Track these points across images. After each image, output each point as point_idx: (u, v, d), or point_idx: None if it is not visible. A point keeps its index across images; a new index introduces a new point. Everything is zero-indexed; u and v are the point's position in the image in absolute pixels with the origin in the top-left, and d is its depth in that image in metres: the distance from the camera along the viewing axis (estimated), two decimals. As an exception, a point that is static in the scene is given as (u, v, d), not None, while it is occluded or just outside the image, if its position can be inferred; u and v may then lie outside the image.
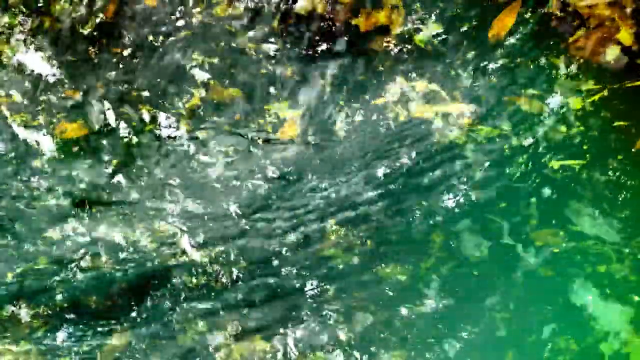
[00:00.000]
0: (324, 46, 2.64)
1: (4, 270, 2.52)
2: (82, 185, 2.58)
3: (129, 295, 2.51)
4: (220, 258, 2.50)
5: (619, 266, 2.32)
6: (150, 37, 2.65)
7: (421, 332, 2.37)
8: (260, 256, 2.51)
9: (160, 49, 2.66)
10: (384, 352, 2.37)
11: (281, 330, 2.41)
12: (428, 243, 2.46)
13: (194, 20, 2.66)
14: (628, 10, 2.39)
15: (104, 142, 2.62)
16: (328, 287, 2.44)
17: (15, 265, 2.52)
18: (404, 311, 2.39)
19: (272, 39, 2.66)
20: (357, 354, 2.38)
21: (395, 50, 2.61)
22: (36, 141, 2.60)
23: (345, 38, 2.63)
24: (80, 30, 2.66)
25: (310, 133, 2.61)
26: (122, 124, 2.63)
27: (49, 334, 2.46)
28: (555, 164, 2.44)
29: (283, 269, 2.47)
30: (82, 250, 2.53)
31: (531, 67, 2.51)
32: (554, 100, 2.48)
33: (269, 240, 2.52)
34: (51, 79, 2.63)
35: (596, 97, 2.44)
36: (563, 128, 2.46)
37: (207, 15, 2.66)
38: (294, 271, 2.46)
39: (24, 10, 2.61)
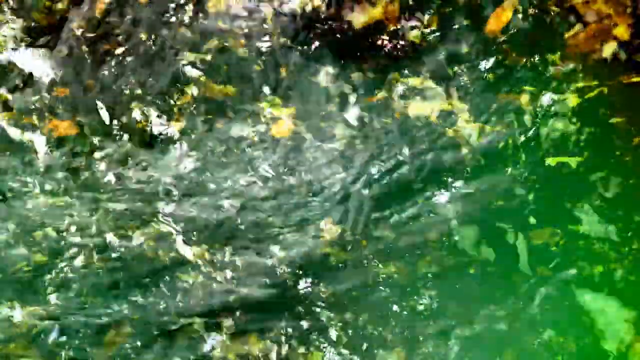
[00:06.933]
0: (318, 43, 2.65)
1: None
2: (77, 185, 2.59)
3: (125, 294, 2.52)
4: (215, 258, 2.51)
5: (617, 265, 2.32)
6: (142, 35, 2.66)
7: (418, 330, 2.37)
8: (255, 255, 2.51)
9: (153, 47, 2.66)
10: (379, 350, 2.37)
11: (275, 329, 2.41)
12: (424, 241, 2.46)
13: (186, 17, 2.66)
14: (625, 5, 2.39)
15: (96, 140, 2.62)
16: (323, 284, 2.45)
17: (9, 263, 2.53)
18: (399, 309, 2.39)
19: (266, 36, 2.66)
20: (354, 353, 2.38)
21: (390, 46, 2.61)
22: (29, 140, 2.60)
23: (340, 35, 2.63)
24: (72, 28, 2.66)
25: (303, 131, 2.61)
26: (115, 122, 2.63)
27: (42, 334, 2.47)
28: (552, 161, 2.44)
29: (277, 268, 2.48)
30: (75, 249, 2.54)
31: (527, 63, 2.51)
32: (551, 97, 2.48)
33: (263, 238, 2.52)
34: (43, 78, 2.63)
35: (593, 94, 2.44)
36: (560, 125, 2.46)
37: (199, 11, 2.66)
38: (289, 269, 2.47)
39: (15, 7, 2.62)
